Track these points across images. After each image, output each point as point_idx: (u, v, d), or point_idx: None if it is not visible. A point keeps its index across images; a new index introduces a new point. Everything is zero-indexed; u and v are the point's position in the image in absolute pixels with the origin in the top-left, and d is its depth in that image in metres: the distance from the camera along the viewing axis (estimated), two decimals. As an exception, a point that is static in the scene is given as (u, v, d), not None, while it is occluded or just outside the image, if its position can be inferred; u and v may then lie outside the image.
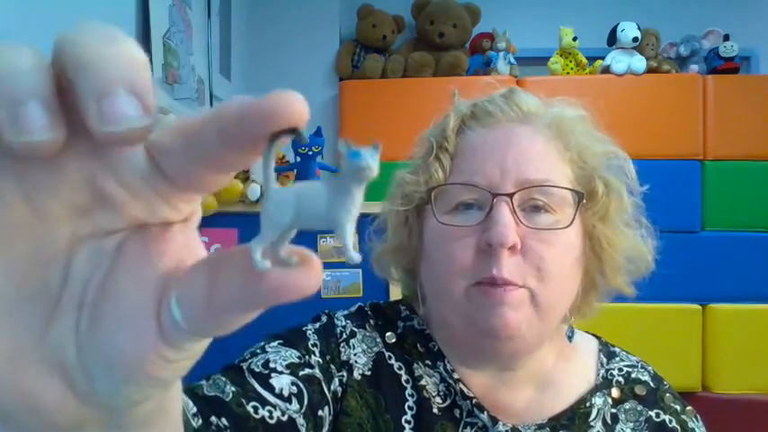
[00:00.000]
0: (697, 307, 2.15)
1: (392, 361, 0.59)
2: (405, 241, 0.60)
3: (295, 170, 1.37)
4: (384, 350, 0.60)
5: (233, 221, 1.32)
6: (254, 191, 1.30)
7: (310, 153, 1.34)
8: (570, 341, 0.61)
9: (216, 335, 0.21)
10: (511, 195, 0.51)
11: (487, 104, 0.58)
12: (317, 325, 0.61)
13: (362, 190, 0.20)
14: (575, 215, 0.52)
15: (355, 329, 0.61)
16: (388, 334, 0.61)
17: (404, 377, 0.58)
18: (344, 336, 0.60)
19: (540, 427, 0.56)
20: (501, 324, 0.51)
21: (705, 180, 2.20)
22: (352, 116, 2.33)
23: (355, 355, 0.59)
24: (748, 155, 2.20)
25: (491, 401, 0.58)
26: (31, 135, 0.16)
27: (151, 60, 1.33)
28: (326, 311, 0.64)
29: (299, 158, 1.36)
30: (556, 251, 0.52)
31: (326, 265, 1.35)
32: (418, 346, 0.60)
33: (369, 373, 0.58)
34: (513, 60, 2.36)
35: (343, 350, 0.59)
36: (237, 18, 2.31)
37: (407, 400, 0.57)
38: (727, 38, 2.35)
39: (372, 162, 0.19)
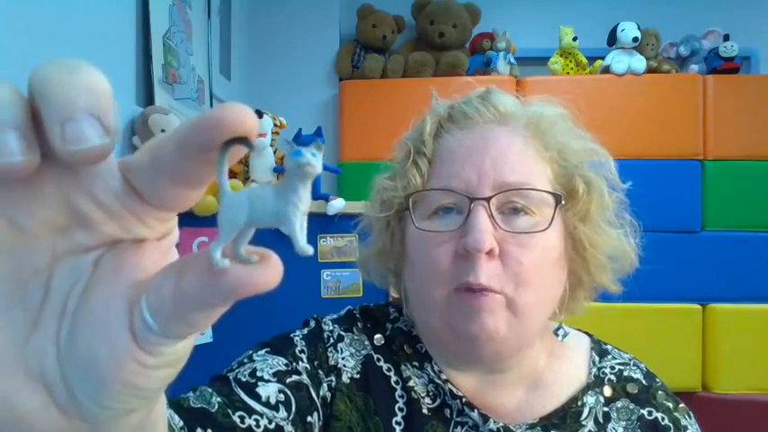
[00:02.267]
0: (697, 307, 2.15)
1: (381, 363, 0.59)
2: (388, 245, 0.60)
3: (295, 170, 1.38)
4: (373, 352, 0.60)
5: (233, 221, 1.32)
6: (254, 191, 1.30)
7: (310, 153, 1.34)
8: (561, 339, 0.61)
9: (187, 334, 0.22)
10: (488, 199, 0.51)
11: (464, 106, 0.57)
12: (305, 330, 0.61)
13: (308, 186, 0.21)
14: (553, 217, 0.52)
15: (343, 333, 0.61)
16: (376, 336, 0.61)
17: (393, 378, 0.59)
18: (332, 340, 0.60)
19: (532, 426, 0.56)
20: (479, 329, 0.51)
21: (705, 180, 2.20)
22: (352, 116, 2.33)
23: (343, 359, 0.59)
24: (748, 155, 2.20)
25: (480, 402, 0.58)
26: (5, 157, 0.18)
27: (151, 60, 1.34)
28: (315, 316, 0.64)
29: (299, 158, 1.36)
30: (534, 254, 0.51)
31: (327, 266, 1.35)
32: (405, 347, 0.61)
33: (358, 376, 0.58)
34: (513, 60, 2.36)
35: (330, 355, 0.59)
36: (237, 18, 2.31)
37: (397, 402, 0.57)
38: (727, 38, 2.35)
39: (313, 159, 0.20)
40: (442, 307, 0.53)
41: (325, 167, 1.40)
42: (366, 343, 0.60)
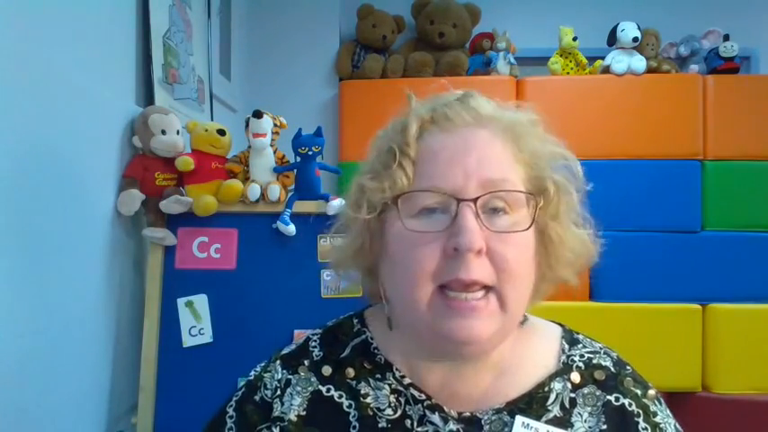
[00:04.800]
0: (697, 307, 2.15)
1: (331, 392, 0.62)
2: (367, 245, 0.61)
3: (295, 170, 1.37)
4: (320, 386, 0.62)
5: (233, 221, 1.31)
6: (253, 191, 1.30)
7: (310, 153, 1.33)
8: (522, 326, 0.63)
9: None
10: (475, 201, 0.53)
11: (446, 109, 0.59)
12: (234, 419, 0.65)
13: None
14: (533, 218, 0.55)
15: (290, 377, 0.63)
16: (324, 368, 0.63)
17: (345, 404, 0.61)
18: (278, 393, 0.63)
19: (498, 411, 0.58)
20: (468, 336, 0.52)
21: (705, 180, 2.20)
22: (352, 116, 2.33)
23: (290, 402, 0.62)
24: (748, 155, 2.20)
25: (448, 393, 0.60)
26: None
27: (151, 60, 1.34)
28: (259, 371, 0.66)
29: (298, 158, 1.35)
30: (517, 251, 0.54)
31: (327, 266, 1.35)
32: (365, 364, 0.63)
33: (304, 413, 0.61)
34: (513, 60, 2.37)
35: (276, 406, 0.62)
36: (237, 18, 2.31)
37: (351, 423, 0.60)
38: (727, 38, 2.35)
39: None
40: (425, 307, 0.54)
41: (325, 168, 1.40)
42: (313, 380, 0.63)
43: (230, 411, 0.64)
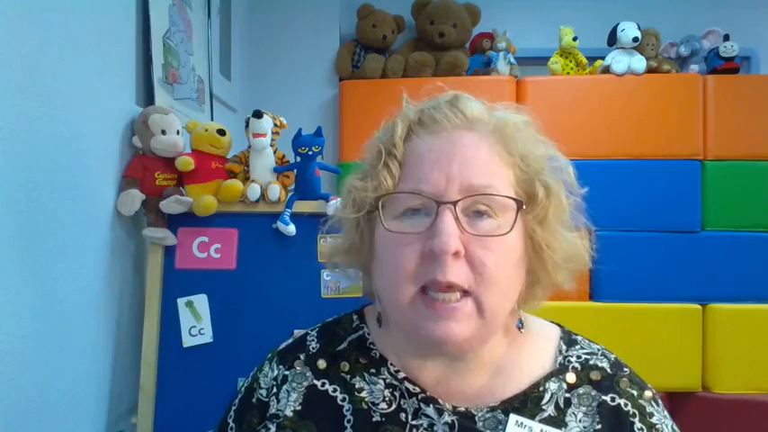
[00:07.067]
0: (697, 307, 2.15)
1: (325, 386, 0.63)
2: (357, 243, 0.62)
3: (295, 170, 1.37)
4: (315, 381, 0.63)
5: (233, 221, 1.31)
6: (253, 191, 1.30)
7: (310, 153, 1.33)
8: (520, 331, 0.63)
9: None
10: (455, 203, 0.53)
11: (433, 111, 0.59)
12: (236, 412, 0.67)
13: None
14: (514, 221, 0.55)
15: (286, 373, 0.65)
16: (319, 361, 0.65)
17: (339, 397, 0.62)
18: (274, 390, 0.64)
19: (492, 409, 0.59)
20: (445, 336, 0.53)
21: (705, 180, 2.20)
22: (352, 116, 2.33)
23: (286, 398, 0.63)
24: (748, 155, 2.20)
25: (444, 389, 0.60)
26: None
27: (151, 60, 1.34)
28: (255, 371, 0.68)
29: (298, 158, 1.35)
30: (497, 256, 0.54)
31: (327, 265, 1.35)
32: (360, 359, 0.64)
33: (300, 407, 0.62)
34: (513, 60, 2.36)
35: (272, 404, 0.63)
36: (237, 18, 2.31)
37: (345, 416, 0.60)
38: (727, 38, 2.35)
39: None
40: (407, 307, 0.55)
41: (325, 168, 1.40)
42: (308, 374, 0.64)
43: (230, 422, 0.66)
